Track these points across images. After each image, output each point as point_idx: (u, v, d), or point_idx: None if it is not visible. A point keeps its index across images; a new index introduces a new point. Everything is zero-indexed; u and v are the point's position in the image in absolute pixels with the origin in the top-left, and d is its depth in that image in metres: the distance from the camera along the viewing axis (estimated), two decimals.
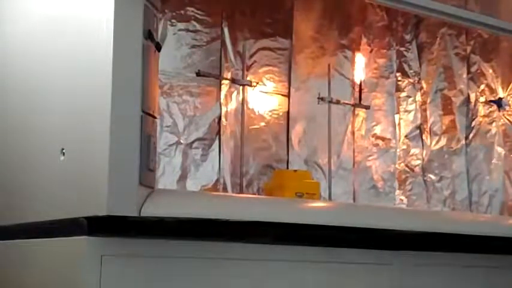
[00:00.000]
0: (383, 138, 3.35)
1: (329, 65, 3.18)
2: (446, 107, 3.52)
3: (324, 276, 1.91)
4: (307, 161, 3.10)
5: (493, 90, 3.66)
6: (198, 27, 2.89)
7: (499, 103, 3.65)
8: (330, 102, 3.15)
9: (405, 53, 3.45)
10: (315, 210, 2.07)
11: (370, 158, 3.30)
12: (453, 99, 3.53)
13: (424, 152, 3.44)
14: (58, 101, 1.83)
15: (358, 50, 3.30)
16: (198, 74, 2.82)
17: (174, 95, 2.81)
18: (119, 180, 1.58)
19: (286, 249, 1.84)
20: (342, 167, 3.20)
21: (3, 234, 1.96)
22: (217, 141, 2.88)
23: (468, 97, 3.57)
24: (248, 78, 2.98)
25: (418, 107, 3.45)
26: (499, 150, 3.62)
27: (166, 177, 2.73)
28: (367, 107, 3.28)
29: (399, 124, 3.40)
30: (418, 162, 3.42)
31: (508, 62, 3.69)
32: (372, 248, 1.97)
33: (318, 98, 3.12)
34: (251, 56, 3.02)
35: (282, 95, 3.09)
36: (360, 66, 3.27)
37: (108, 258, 1.60)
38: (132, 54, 1.64)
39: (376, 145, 3.33)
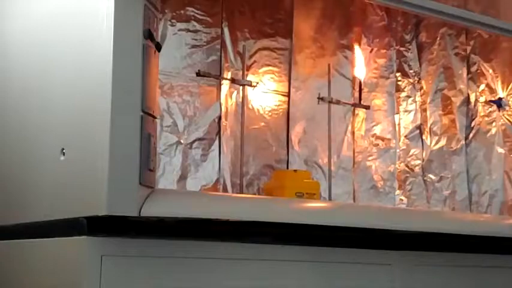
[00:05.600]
0: (383, 138, 3.35)
1: (329, 65, 3.18)
2: (446, 107, 3.52)
3: (324, 276, 1.91)
4: (307, 161, 3.10)
5: (493, 90, 3.65)
6: (198, 27, 2.89)
7: (499, 103, 3.65)
8: (330, 102, 3.15)
9: (405, 53, 3.45)
10: (315, 210, 2.07)
11: (370, 158, 3.30)
12: (453, 99, 3.53)
13: (424, 152, 3.44)
14: (58, 101, 1.83)
15: (358, 50, 3.30)
16: (198, 74, 2.82)
17: (174, 95, 2.81)
18: (119, 180, 1.58)
19: (286, 249, 1.84)
20: (342, 167, 3.20)
21: (3, 234, 1.96)
22: (217, 141, 2.88)
23: (468, 97, 3.57)
24: (248, 78, 2.98)
25: (418, 107, 3.45)
26: (499, 150, 3.62)
27: (166, 177, 2.73)
28: (367, 107, 3.28)
29: (399, 124, 3.40)
30: (418, 162, 3.42)
31: (508, 62, 3.69)
32: (372, 248, 1.97)
33: (318, 98, 3.12)
34: (251, 56, 3.02)
35: (282, 95, 3.10)
36: (360, 66, 3.27)
37: (108, 258, 1.60)
38: (132, 54, 1.64)
39: (376, 145, 3.33)
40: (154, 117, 1.70)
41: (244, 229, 1.74)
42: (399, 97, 3.42)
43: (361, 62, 3.28)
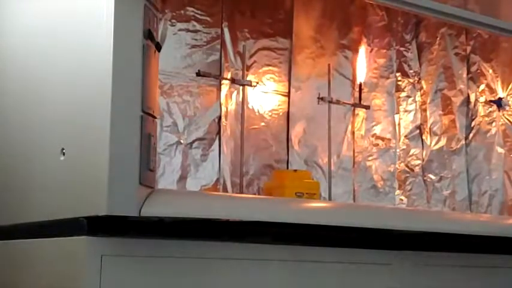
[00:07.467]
0: (383, 138, 3.35)
1: (329, 65, 3.18)
2: (446, 107, 3.52)
3: (324, 276, 1.91)
4: (307, 161, 3.10)
5: (493, 90, 3.66)
6: (198, 27, 2.89)
7: (499, 103, 3.65)
8: (330, 102, 3.15)
9: (405, 53, 3.45)
10: (315, 210, 2.07)
11: (370, 158, 3.30)
12: (453, 99, 3.53)
13: (424, 152, 3.44)
14: (58, 101, 1.83)
15: (358, 50, 3.30)
16: (198, 74, 2.83)
17: (174, 95, 2.81)
18: (119, 180, 1.58)
19: (286, 249, 1.84)
20: (342, 167, 3.20)
21: (3, 234, 1.96)
22: (217, 141, 2.88)
23: (468, 97, 3.57)
24: (248, 78, 2.98)
25: (418, 107, 3.45)
26: (499, 150, 3.62)
27: (166, 177, 2.73)
28: (367, 107, 3.28)
29: (399, 124, 3.40)
30: (418, 162, 3.42)
31: (508, 62, 3.69)
32: (372, 248, 1.97)
33: (318, 98, 3.12)
34: (251, 56, 3.02)
35: (282, 95, 3.09)
36: (361, 67, 3.27)
37: (108, 258, 1.60)
38: (132, 54, 1.64)
39: (376, 145, 3.33)
40: (154, 117, 1.71)
41: (244, 229, 1.74)
42: (399, 97, 3.42)
43: (363, 63, 3.28)
